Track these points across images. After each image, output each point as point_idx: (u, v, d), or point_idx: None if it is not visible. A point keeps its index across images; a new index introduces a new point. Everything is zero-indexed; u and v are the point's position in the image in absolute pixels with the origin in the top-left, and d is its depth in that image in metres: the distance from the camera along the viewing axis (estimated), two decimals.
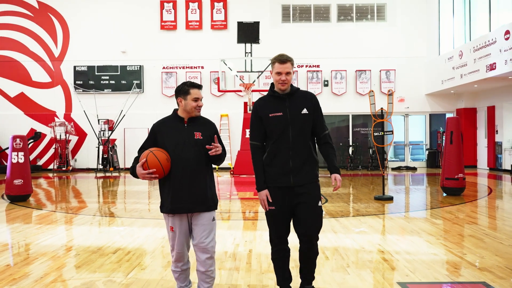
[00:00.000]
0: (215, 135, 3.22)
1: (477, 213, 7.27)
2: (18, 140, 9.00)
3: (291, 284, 3.39)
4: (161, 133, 3.22)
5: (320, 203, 3.21)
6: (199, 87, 3.26)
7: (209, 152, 3.13)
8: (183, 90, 3.22)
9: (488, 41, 12.81)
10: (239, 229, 6.15)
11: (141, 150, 3.22)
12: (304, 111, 3.18)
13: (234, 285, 3.79)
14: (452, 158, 9.17)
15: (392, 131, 8.97)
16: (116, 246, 5.17)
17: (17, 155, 8.97)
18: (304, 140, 3.18)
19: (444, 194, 9.30)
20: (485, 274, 4.03)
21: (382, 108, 8.85)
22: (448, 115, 17.81)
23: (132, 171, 3.14)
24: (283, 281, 3.35)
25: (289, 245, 3.34)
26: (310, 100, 3.24)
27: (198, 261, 3.19)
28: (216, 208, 3.27)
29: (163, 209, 3.21)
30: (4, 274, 4.13)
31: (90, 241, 5.47)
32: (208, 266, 3.18)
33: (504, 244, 5.11)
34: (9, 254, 4.96)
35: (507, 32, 11.80)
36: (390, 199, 8.74)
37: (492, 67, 12.55)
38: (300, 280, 3.42)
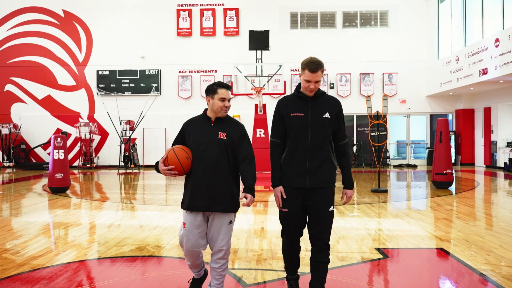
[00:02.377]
0: (245, 194, 3.26)
1: (457, 202, 8.41)
2: (59, 139, 10.32)
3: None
4: (188, 131, 3.27)
5: (332, 208, 3.22)
6: (227, 87, 3.26)
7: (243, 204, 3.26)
8: (211, 89, 3.24)
9: (481, 47, 13.86)
10: (252, 214, 7.36)
11: (172, 146, 3.31)
12: (326, 115, 3.17)
13: (250, 249, 5.00)
14: (442, 155, 10.27)
15: (386, 132, 10.09)
16: (154, 224, 6.43)
17: (58, 152, 10.29)
18: (323, 143, 3.18)
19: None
20: (444, 243, 5.20)
21: (377, 111, 9.98)
22: (448, 116, 18.93)
23: (156, 166, 3.25)
24: (291, 267, 3.46)
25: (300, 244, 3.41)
26: (334, 106, 3.24)
27: (212, 257, 3.29)
28: (235, 211, 3.28)
29: (182, 205, 3.27)
30: (76, 241, 5.40)
31: (132, 221, 6.74)
32: (220, 264, 3.25)
33: (469, 225, 6.25)
34: (73, 230, 6.24)
35: (497, 40, 12.85)
36: (385, 191, 9.90)
37: (484, 71, 13.60)
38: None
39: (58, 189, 10.23)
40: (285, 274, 3.94)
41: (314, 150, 3.15)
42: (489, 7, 14.37)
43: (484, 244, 5.11)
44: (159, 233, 5.86)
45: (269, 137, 3.30)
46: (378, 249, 4.95)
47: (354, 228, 6.05)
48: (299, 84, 3.25)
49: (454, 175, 10.68)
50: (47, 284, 3.86)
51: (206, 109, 3.34)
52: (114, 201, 9.05)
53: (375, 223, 6.43)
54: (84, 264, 4.50)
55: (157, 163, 3.22)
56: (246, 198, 3.23)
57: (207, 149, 3.16)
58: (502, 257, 4.54)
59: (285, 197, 3.19)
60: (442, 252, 4.82)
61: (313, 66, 3.10)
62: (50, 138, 18.75)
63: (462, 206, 8.02)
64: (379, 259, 4.59)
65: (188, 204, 3.17)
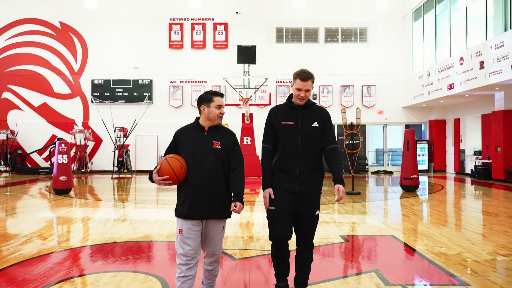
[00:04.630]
0: (234, 205, 3.26)
1: (419, 202, 9.62)
2: (63, 145, 11.28)
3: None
4: (181, 140, 3.30)
5: (317, 212, 3.43)
6: (221, 95, 3.34)
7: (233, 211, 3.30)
8: (206, 98, 3.30)
9: (448, 64, 15.25)
10: None
11: (165, 156, 3.34)
12: (315, 124, 3.35)
13: (237, 236, 6.09)
14: (409, 162, 11.51)
15: (359, 140, 11.29)
16: (156, 218, 7.48)
17: (62, 157, 11.25)
18: (312, 151, 3.36)
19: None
20: (396, 232, 6.37)
21: (351, 122, 11.19)
22: (422, 126, 20.34)
23: (150, 176, 3.29)
24: (281, 275, 3.54)
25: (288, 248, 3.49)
26: (323, 115, 3.43)
27: (205, 262, 3.39)
28: (228, 217, 3.36)
29: (177, 212, 3.28)
30: (90, 231, 6.42)
31: (135, 216, 7.77)
32: (213, 267, 3.39)
33: (421, 219, 7.45)
34: (84, 223, 7.25)
35: (462, 58, 14.24)
36: (358, 193, 11.08)
37: (451, 86, 14.98)
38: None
39: (62, 190, 11.17)
40: (266, 252, 5.04)
41: (304, 158, 3.33)
42: (456, 27, 15.79)
43: (427, 232, 6.29)
44: (161, 225, 6.92)
45: (262, 143, 3.53)
46: (342, 236, 6.08)
47: (325, 222, 7.19)
48: (291, 94, 3.47)
49: (420, 179, 11.90)
50: (82, 258, 4.90)
51: (198, 118, 3.39)
52: (115, 201, 10.05)
53: (343, 218, 7.58)
54: (104, 247, 5.54)
55: (151, 173, 3.26)
56: (236, 207, 3.27)
57: (203, 159, 3.21)
58: (438, 241, 5.72)
59: (273, 197, 3.36)
60: (392, 238, 5.98)
61: (304, 75, 3.34)
62: (46, 144, 19.71)
63: (421, 205, 9.23)
64: (341, 242, 5.73)
65: (185, 213, 3.21)
